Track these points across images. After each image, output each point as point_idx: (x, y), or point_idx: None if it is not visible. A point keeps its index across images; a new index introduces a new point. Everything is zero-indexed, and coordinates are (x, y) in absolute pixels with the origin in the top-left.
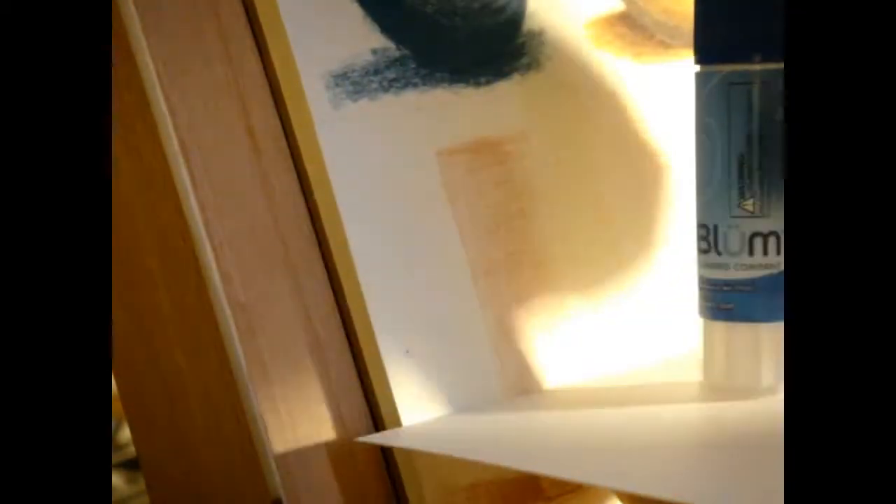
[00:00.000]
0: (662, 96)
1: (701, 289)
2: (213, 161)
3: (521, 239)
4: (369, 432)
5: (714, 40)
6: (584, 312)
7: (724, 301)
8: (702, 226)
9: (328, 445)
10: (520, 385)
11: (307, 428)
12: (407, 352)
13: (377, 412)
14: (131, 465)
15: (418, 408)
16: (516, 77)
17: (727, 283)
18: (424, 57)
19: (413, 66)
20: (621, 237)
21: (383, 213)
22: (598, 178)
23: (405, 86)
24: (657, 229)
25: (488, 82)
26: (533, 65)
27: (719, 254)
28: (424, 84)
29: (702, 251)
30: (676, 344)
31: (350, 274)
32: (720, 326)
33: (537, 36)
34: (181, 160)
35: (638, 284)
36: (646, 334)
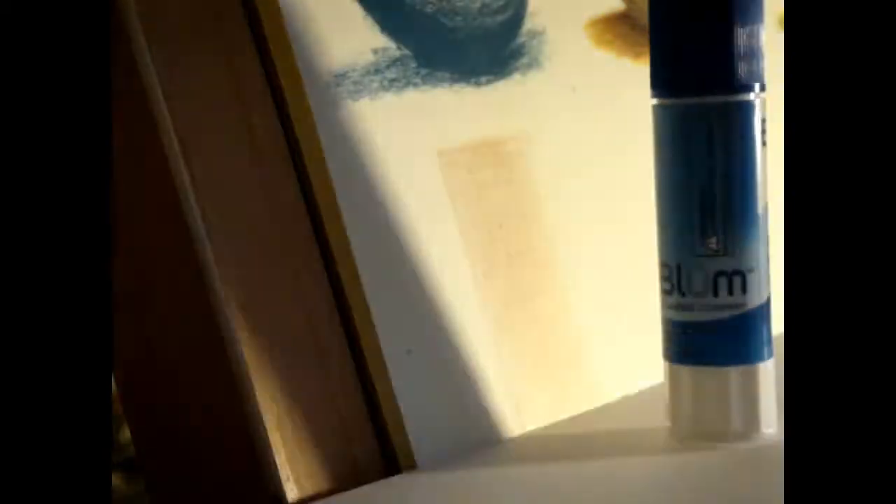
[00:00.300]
0: None
1: (665, 331)
2: (213, 161)
3: (522, 239)
4: (370, 432)
5: (671, 72)
6: (584, 313)
7: (689, 344)
8: (664, 265)
9: (328, 445)
10: (520, 383)
11: (307, 428)
12: (408, 352)
13: (377, 412)
14: (131, 465)
15: (419, 407)
16: (516, 77)
17: (691, 325)
18: (425, 57)
19: (413, 65)
20: (622, 237)
21: (383, 213)
22: (599, 179)
23: (406, 85)
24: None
25: (488, 82)
26: (533, 65)
27: (683, 294)
28: (425, 84)
29: (665, 292)
30: None
31: (350, 274)
32: (686, 370)
33: (537, 36)
34: (181, 160)
35: (638, 286)
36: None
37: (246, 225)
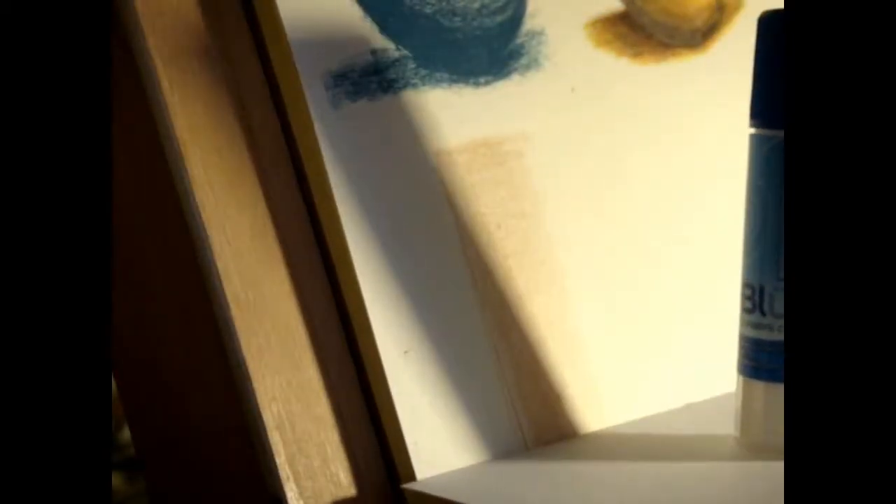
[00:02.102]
0: (662, 96)
1: (742, 347)
2: (213, 161)
3: (522, 239)
4: (368, 432)
5: (772, 104)
6: (586, 315)
7: (767, 361)
8: (747, 285)
9: (328, 445)
10: (517, 383)
11: (307, 428)
12: (406, 352)
13: (376, 412)
14: (131, 465)
15: (418, 407)
16: (516, 77)
17: (770, 343)
18: (424, 57)
19: (413, 66)
20: (621, 237)
21: (383, 213)
22: (598, 179)
23: (405, 86)
24: (657, 230)
25: (488, 82)
26: (533, 65)
27: (764, 314)
28: (424, 84)
29: (746, 310)
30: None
31: (350, 274)
32: (760, 386)
33: (537, 36)
34: (181, 160)
35: (638, 285)
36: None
37: (246, 225)
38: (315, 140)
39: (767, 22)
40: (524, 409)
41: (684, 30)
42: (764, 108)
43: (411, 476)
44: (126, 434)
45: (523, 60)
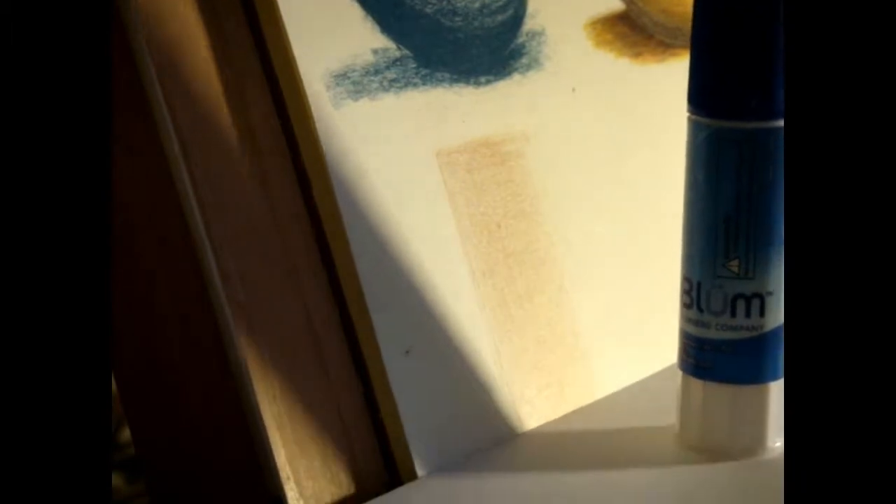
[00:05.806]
0: (662, 96)
1: (681, 342)
2: (213, 161)
3: (521, 239)
4: (369, 432)
5: (708, 92)
6: (584, 314)
7: (703, 360)
8: (686, 279)
9: (328, 445)
10: (518, 382)
11: (307, 428)
12: (407, 352)
13: (376, 412)
14: (131, 465)
15: (419, 407)
16: (516, 77)
17: (708, 341)
18: (425, 57)
19: (413, 66)
20: (621, 236)
21: (383, 213)
22: (598, 179)
23: (405, 86)
24: (657, 230)
25: (488, 82)
26: (533, 65)
27: (701, 311)
28: (425, 84)
29: (684, 305)
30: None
31: (350, 274)
32: (698, 384)
33: (537, 36)
34: (181, 160)
35: (637, 286)
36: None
37: (246, 225)
38: (316, 139)
39: None
40: (525, 408)
41: (684, 30)
42: (699, 95)
43: (413, 475)
44: (126, 434)
45: (524, 60)
